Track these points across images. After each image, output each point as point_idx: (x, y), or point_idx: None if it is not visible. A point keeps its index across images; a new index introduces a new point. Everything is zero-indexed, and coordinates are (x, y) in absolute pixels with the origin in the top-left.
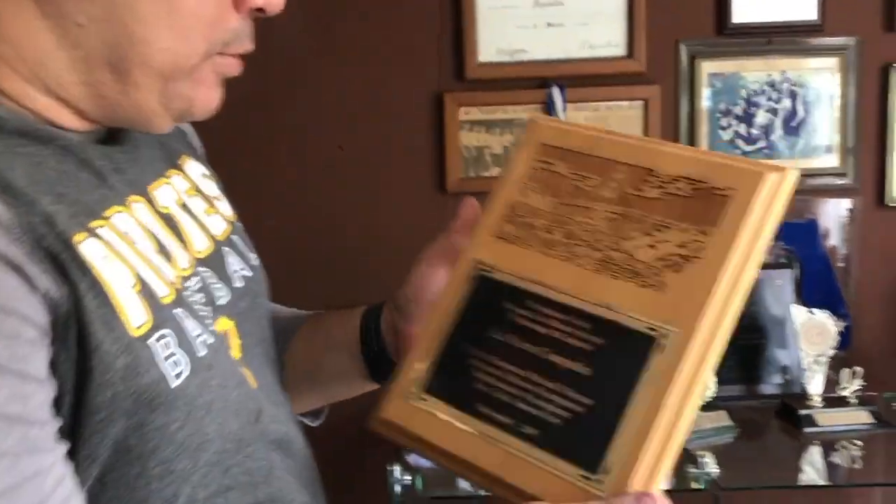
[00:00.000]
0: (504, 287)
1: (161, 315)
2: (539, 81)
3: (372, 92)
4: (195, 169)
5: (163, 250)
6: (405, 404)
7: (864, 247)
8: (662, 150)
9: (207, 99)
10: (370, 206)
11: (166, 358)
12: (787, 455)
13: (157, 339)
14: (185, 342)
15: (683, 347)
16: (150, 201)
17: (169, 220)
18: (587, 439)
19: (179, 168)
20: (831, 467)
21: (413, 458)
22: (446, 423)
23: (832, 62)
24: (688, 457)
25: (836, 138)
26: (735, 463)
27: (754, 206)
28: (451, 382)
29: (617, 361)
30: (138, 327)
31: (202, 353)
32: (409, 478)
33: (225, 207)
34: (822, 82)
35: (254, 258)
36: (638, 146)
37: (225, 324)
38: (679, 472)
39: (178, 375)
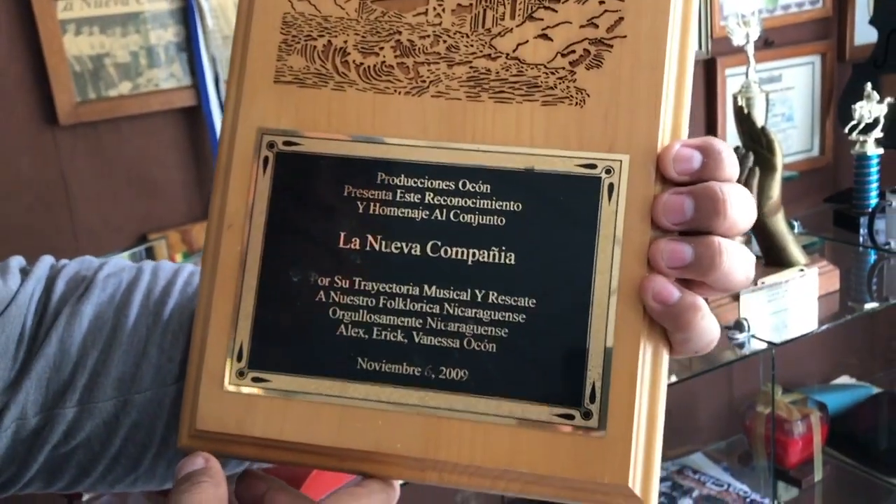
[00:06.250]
0: (325, 163)
1: None
2: None
3: None
4: None
5: None
6: (225, 396)
7: None
8: None
9: None
10: None
11: None
12: None
13: None
14: None
15: (643, 178)
16: None
17: None
18: (548, 361)
19: None
20: None
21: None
22: (306, 406)
23: None
24: None
25: None
26: None
27: None
28: (293, 340)
29: (549, 231)
30: None
31: None
32: None
33: None
34: None
35: None
36: None
37: None
38: None
39: None
